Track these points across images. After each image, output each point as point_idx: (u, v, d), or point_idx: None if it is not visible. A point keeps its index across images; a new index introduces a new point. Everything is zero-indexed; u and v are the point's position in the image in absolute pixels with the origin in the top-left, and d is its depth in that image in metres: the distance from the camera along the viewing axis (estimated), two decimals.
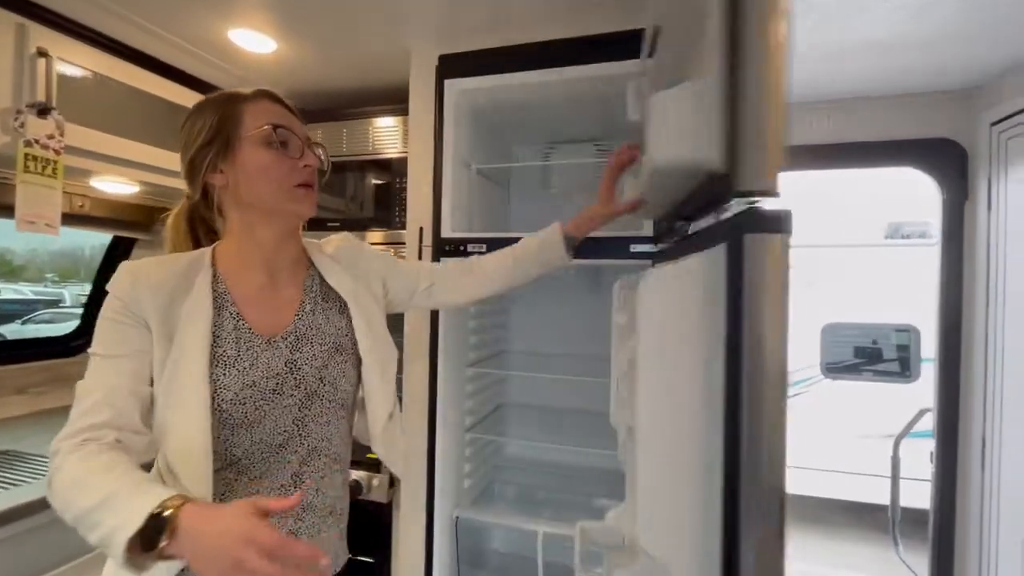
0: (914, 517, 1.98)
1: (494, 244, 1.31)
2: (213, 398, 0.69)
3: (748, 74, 0.46)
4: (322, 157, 0.82)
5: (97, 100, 1.37)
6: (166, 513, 0.53)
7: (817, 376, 4.17)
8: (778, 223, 0.43)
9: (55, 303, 4.98)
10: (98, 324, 0.69)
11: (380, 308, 0.91)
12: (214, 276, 0.76)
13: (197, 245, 0.82)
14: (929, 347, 1.87)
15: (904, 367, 2.42)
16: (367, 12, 1.28)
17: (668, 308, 0.58)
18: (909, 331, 2.52)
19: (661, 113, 0.53)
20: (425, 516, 1.37)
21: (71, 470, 0.59)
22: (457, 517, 1.43)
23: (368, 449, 1.55)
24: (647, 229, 1.28)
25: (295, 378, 0.77)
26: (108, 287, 0.70)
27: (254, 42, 1.42)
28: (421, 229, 1.38)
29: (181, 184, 0.80)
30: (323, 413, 0.80)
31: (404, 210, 1.64)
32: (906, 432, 2.01)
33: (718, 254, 0.47)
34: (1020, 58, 1.33)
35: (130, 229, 1.84)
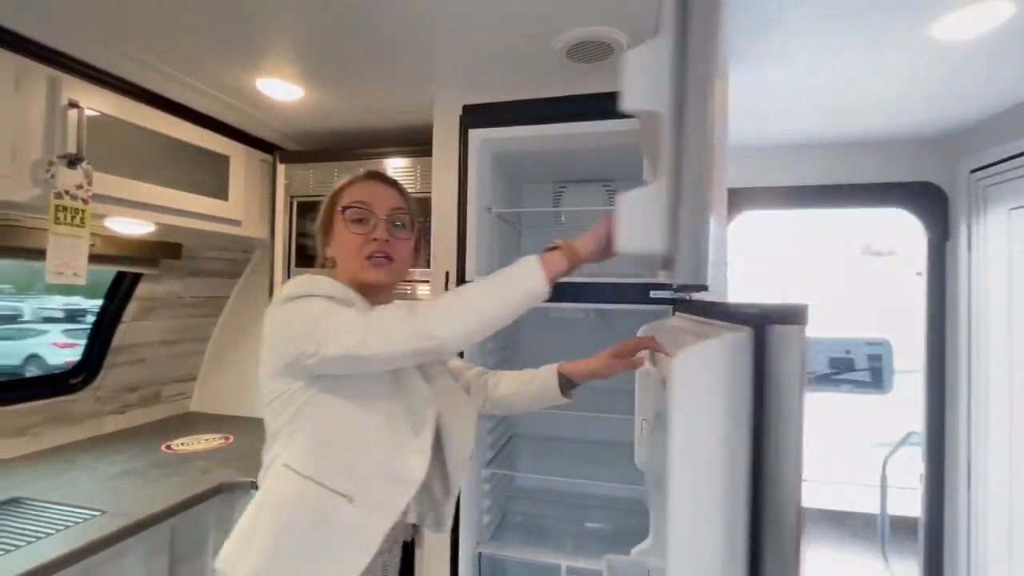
0: (896, 524, 2.09)
1: None
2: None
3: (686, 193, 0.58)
4: (401, 226, 0.92)
5: (123, 146, 1.37)
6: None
7: None
8: (797, 316, 0.48)
9: (13, 318, 4.67)
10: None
11: None
12: None
13: None
14: (902, 360, 1.99)
15: (876, 378, 2.54)
16: (393, 64, 1.33)
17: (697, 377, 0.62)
18: (881, 344, 2.65)
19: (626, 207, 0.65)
20: (449, 554, 1.40)
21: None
22: (480, 553, 1.45)
23: None
24: (663, 276, 1.35)
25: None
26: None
27: (281, 91, 1.45)
28: (448, 273, 1.42)
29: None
30: None
31: (423, 249, 1.68)
32: (894, 451, 2.12)
33: (743, 338, 0.51)
34: (989, 112, 1.47)
35: (138, 265, 1.83)
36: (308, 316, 0.76)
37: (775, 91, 1.41)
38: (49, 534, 1.22)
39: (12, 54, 1.12)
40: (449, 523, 0.97)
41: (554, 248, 0.79)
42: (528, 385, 1.02)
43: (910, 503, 2.01)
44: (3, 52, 1.11)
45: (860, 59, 1.21)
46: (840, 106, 1.49)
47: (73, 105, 1.23)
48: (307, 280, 0.81)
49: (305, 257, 1.81)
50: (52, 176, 1.18)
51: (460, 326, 0.72)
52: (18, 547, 1.15)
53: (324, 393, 0.80)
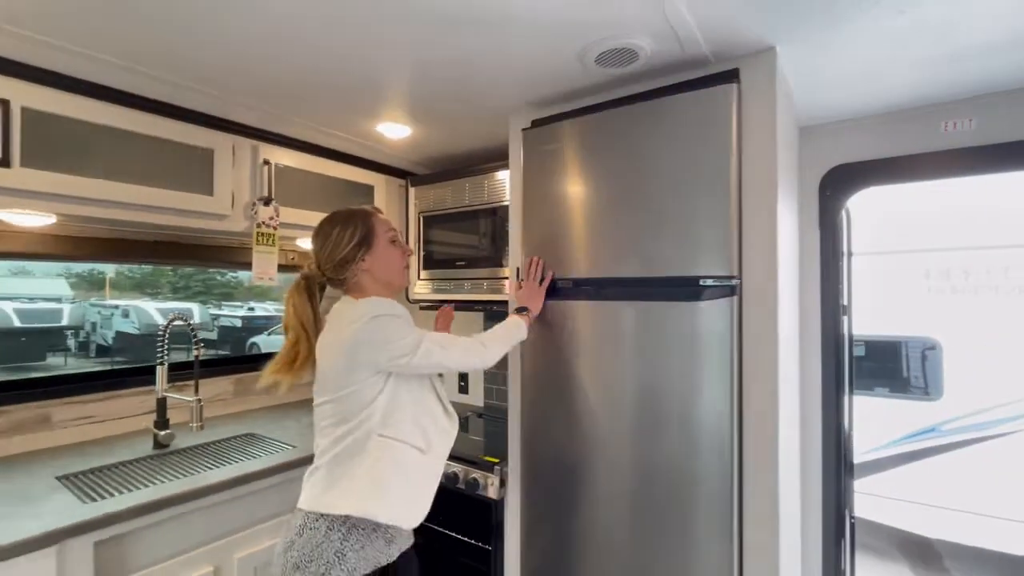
0: None
1: (587, 281, 1.50)
2: None
3: None
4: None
5: (300, 186, 1.93)
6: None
7: None
8: None
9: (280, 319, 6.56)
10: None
11: None
12: None
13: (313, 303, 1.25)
14: None
15: None
16: (478, 100, 1.62)
17: None
18: None
19: None
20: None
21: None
22: None
23: (474, 448, 1.85)
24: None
25: None
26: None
27: (394, 131, 1.86)
28: (518, 269, 1.63)
29: None
30: None
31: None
32: None
33: None
34: None
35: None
36: (411, 335, 1.14)
37: (870, 45, 1.26)
38: (260, 456, 1.80)
39: (230, 134, 1.72)
40: None
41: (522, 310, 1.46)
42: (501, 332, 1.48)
43: None
44: (226, 134, 1.71)
45: None
46: (950, 52, 1.26)
47: (266, 162, 1.80)
48: (387, 303, 1.16)
49: (431, 261, 2.21)
50: (255, 212, 1.75)
51: (499, 358, 1.31)
52: (240, 460, 1.74)
53: (399, 381, 1.16)
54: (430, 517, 1.92)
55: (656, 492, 1.30)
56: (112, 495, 1.42)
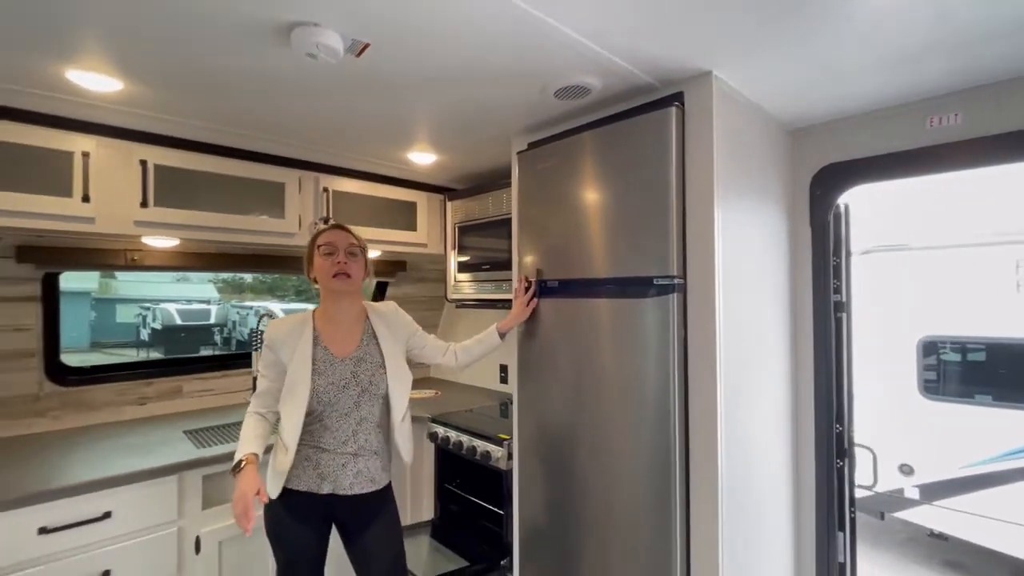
0: None
1: (567, 282, 1.73)
2: (312, 391, 1.38)
3: None
4: (354, 255, 1.49)
5: (354, 207, 2.37)
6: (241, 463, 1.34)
7: None
8: None
9: None
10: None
11: (402, 351, 1.56)
12: (313, 327, 1.46)
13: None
14: None
15: None
16: (484, 130, 1.93)
17: None
18: None
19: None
20: None
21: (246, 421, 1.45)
22: None
23: (499, 428, 2.13)
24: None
25: (356, 380, 1.42)
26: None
27: (422, 157, 2.22)
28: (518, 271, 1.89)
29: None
30: (370, 400, 1.44)
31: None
32: None
33: None
34: None
35: (381, 276, 2.91)
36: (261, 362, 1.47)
37: (822, 52, 1.33)
38: None
39: (297, 170, 2.19)
40: (403, 454, 1.51)
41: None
42: (480, 339, 1.75)
43: None
44: (294, 170, 2.18)
45: None
46: (910, 52, 1.30)
47: (325, 189, 2.24)
48: (271, 331, 1.44)
49: (466, 266, 2.53)
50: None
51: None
52: None
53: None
54: (461, 486, 2.27)
55: (619, 458, 1.50)
56: (218, 444, 1.92)
